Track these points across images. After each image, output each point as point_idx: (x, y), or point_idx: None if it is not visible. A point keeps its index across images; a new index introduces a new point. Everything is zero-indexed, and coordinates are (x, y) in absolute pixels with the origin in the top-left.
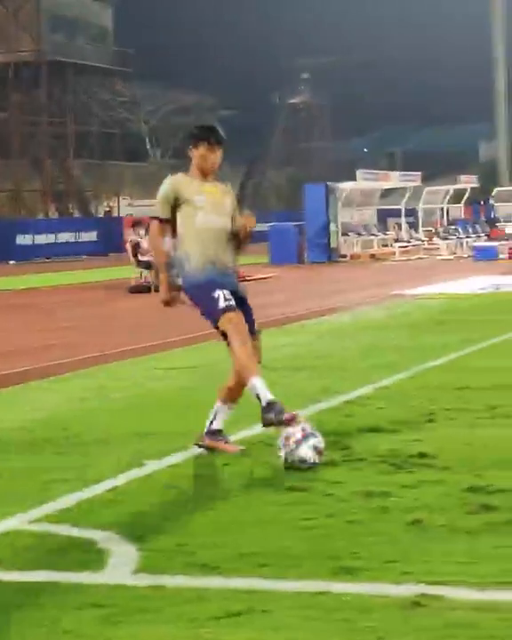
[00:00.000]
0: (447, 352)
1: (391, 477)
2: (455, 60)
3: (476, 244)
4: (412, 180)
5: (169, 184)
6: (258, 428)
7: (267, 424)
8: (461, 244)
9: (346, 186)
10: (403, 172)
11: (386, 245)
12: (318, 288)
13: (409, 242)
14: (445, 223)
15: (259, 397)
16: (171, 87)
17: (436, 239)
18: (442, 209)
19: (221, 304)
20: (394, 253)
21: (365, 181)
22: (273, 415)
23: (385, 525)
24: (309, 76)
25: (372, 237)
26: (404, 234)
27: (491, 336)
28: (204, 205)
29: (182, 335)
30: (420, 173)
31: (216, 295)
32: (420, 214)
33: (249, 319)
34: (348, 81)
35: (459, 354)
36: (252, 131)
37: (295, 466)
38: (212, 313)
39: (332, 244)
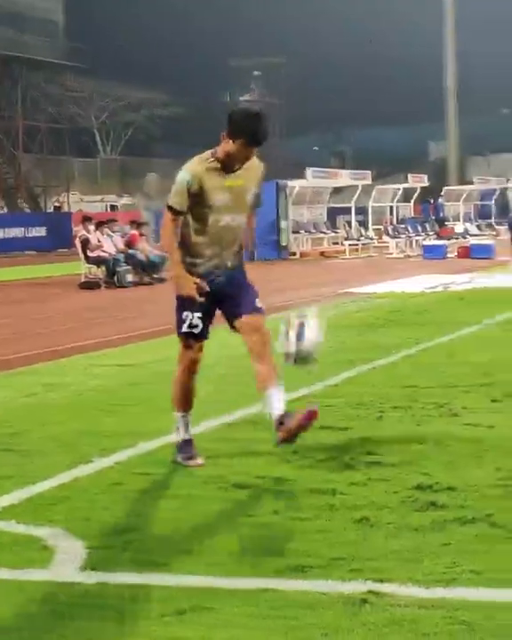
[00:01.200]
0: (396, 350)
1: (339, 475)
2: (407, 59)
3: (426, 242)
4: (363, 178)
5: (192, 175)
6: (204, 425)
7: (175, 461)
8: (411, 242)
9: (296, 184)
10: (353, 171)
11: (336, 243)
12: (268, 286)
13: (359, 240)
14: (395, 221)
15: (178, 430)
16: (122, 83)
17: (385, 237)
18: (392, 207)
19: (183, 328)
20: (344, 251)
21: (316, 179)
22: (181, 456)
23: (332, 523)
24: (261, 73)
25: (322, 235)
26: (353, 232)
27: (439, 335)
28: (224, 205)
29: (127, 333)
30: (370, 172)
31: (184, 316)
32: (370, 212)
33: (248, 301)
34: (299, 79)
35: (408, 352)
36: (203, 128)
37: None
38: (176, 327)
39: (283, 242)
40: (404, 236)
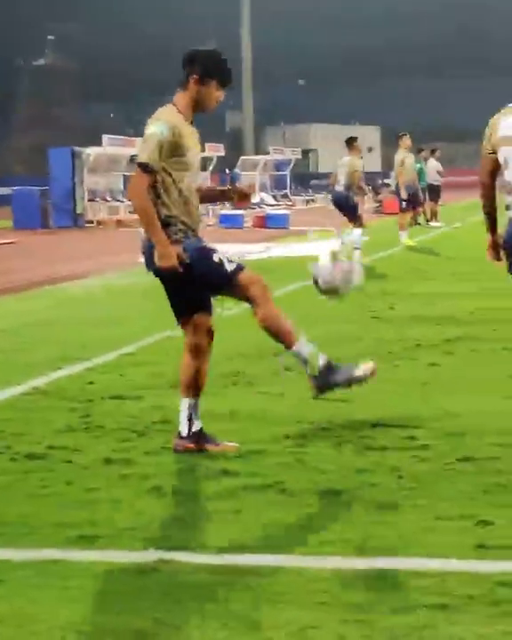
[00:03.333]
0: None
1: (132, 444)
2: (202, 30)
3: (223, 211)
4: None
5: (171, 126)
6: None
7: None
8: (208, 211)
9: (92, 151)
10: None
11: (132, 212)
12: (63, 253)
13: None
14: None
15: (307, 363)
16: None
17: None
18: None
19: (235, 263)
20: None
21: (112, 147)
22: (341, 377)
23: (124, 492)
24: (55, 38)
25: (119, 203)
26: None
27: (229, 304)
28: (193, 160)
29: None
30: None
31: (218, 258)
32: None
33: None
34: (95, 46)
35: None
36: None
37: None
38: (219, 279)
39: (79, 210)
40: None
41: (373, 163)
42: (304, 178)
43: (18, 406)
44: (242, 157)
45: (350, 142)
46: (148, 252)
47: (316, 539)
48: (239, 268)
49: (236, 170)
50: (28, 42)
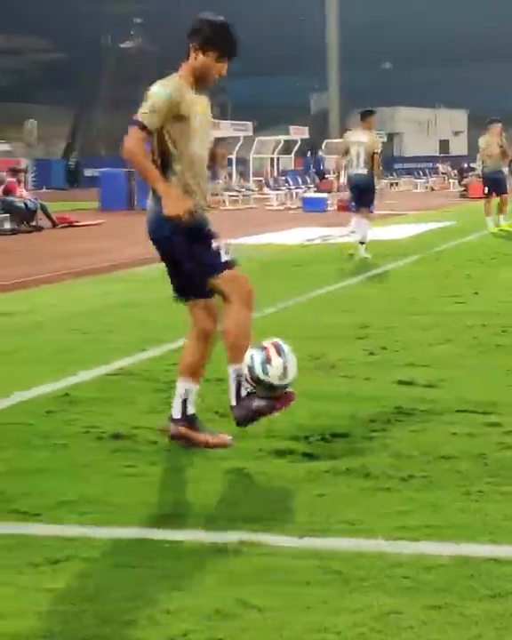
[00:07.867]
0: (273, 303)
1: (215, 426)
2: (287, 13)
3: (306, 195)
4: (244, 129)
5: (173, 88)
6: (82, 374)
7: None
8: (291, 194)
9: None
10: (234, 122)
11: (216, 194)
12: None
13: (239, 191)
14: (276, 173)
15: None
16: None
17: (266, 189)
18: (272, 159)
19: (223, 257)
20: (224, 202)
21: None
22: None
23: (207, 473)
24: (142, 20)
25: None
26: (234, 183)
27: (315, 287)
28: (200, 128)
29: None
30: (251, 123)
31: (216, 247)
32: (251, 164)
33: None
34: (179, 27)
35: (284, 305)
36: (81, 74)
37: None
38: (210, 265)
39: None
40: (284, 188)
41: (460, 147)
42: (388, 161)
43: (104, 387)
44: (326, 140)
45: (364, 117)
46: (153, 219)
47: (398, 524)
48: (231, 263)
49: (321, 153)
50: (116, 24)
